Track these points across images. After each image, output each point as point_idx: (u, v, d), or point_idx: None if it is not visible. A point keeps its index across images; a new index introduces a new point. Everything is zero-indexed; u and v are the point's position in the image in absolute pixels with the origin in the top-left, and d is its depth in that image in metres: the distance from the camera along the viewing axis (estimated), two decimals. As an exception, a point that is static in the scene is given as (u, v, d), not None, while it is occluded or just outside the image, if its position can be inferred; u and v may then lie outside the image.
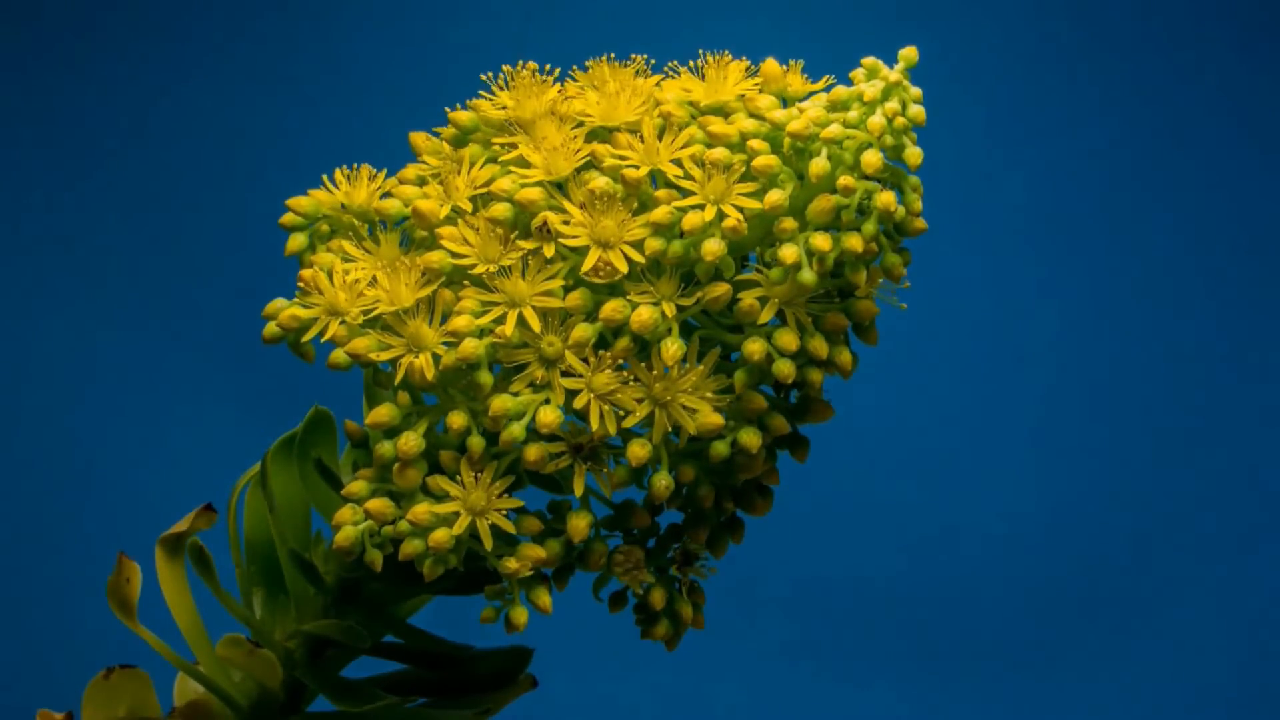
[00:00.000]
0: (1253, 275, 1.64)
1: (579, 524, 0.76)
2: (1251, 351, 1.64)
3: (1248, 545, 1.60)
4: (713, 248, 0.73)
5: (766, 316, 0.74)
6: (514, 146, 0.78)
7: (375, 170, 0.82)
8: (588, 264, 0.74)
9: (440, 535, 0.74)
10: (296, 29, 1.60)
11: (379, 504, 0.75)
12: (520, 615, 0.77)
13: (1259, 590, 1.59)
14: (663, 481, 0.75)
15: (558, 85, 0.81)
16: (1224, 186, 1.65)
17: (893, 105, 0.75)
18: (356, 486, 0.76)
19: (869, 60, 0.77)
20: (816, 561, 1.58)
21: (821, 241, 0.73)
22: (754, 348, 0.74)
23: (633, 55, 0.81)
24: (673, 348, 0.74)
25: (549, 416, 0.73)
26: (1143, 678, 1.56)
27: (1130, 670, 1.57)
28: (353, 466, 0.84)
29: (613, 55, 0.81)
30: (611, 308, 0.73)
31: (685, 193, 0.74)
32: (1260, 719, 1.55)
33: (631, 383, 0.74)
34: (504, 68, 0.82)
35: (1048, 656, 1.58)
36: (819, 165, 0.74)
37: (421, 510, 0.74)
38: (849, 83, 0.77)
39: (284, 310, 0.78)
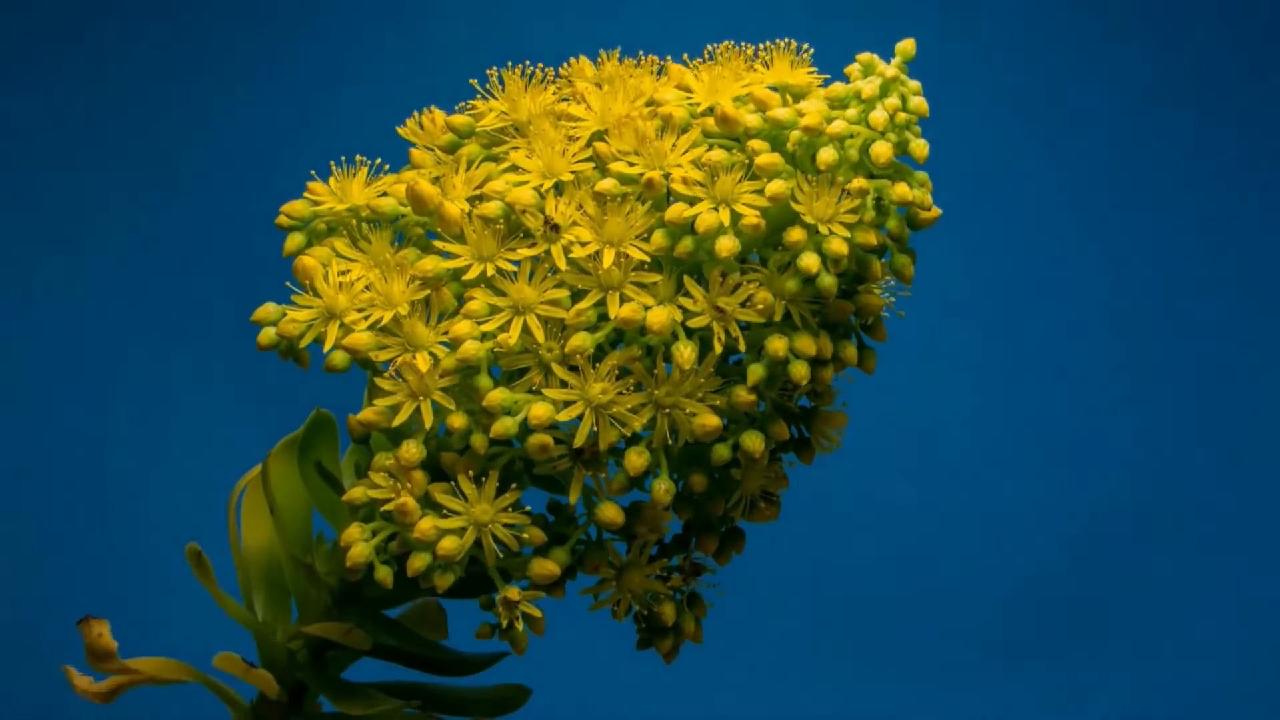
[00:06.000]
0: (1258, 272, 1.64)
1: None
2: (1256, 349, 1.63)
3: (1252, 546, 1.60)
4: (727, 245, 0.73)
5: (780, 313, 0.74)
6: (515, 150, 0.78)
7: (373, 166, 0.82)
8: (606, 264, 0.73)
9: (448, 543, 0.74)
10: (297, 27, 1.60)
11: (408, 500, 0.74)
12: (524, 639, 0.76)
13: (1263, 591, 1.59)
14: (663, 486, 0.75)
15: (553, 86, 0.81)
16: (1230, 181, 1.64)
17: (893, 101, 0.75)
18: (358, 492, 0.75)
19: (864, 56, 0.76)
20: (816, 561, 1.58)
21: (839, 246, 0.73)
22: (776, 345, 0.73)
23: (640, 53, 0.80)
24: (687, 352, 0.73)
25: (542, 411, 0.73)
26: (1146, 676, 1.56)
27: (1133, 669, 1.57)
28: (354, 468, 0.83)
29: (617, 52, 0.81)
30: (630, 309, 0.73)
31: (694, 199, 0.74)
32: (1259, 718, 1.55)
33: (630, 390, 0.73)
34: (489, 71, 0.81)
35: (1047, 656, 1.57)
36: (828, 155, 0.73)
37: (427, 525, 0.74)
38: (846, 79, 0.76)
39: (284, 319, 0.77)
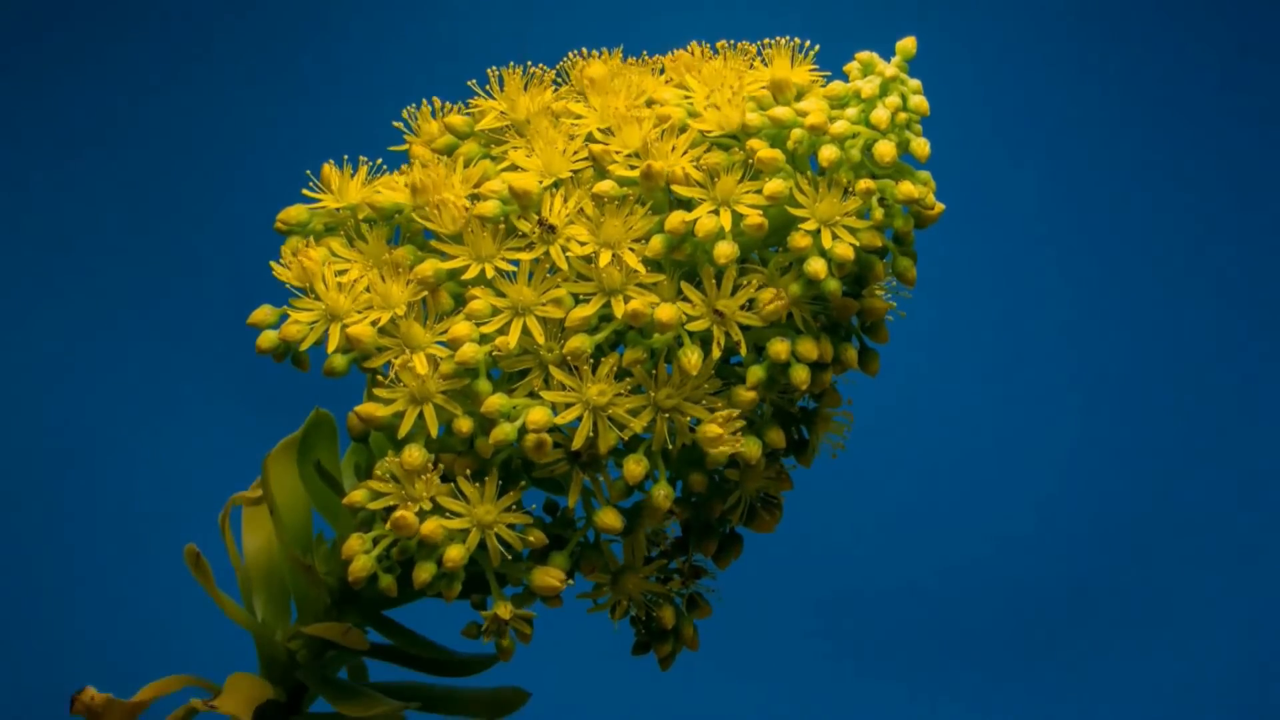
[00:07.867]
0: (1261, 273, 1.64)
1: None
2: (1258, 348, 1.63)
3: (1255, 547, 1.60)
4: (725, 250, 0.72)
5: (784, 314, 0.73)
6: (514, 150, 0.78)
7: (372, 166, 0.81)
8: (602, 264, 0.73)
9: (454, 553, 0.73)
10: (297, 27, 1.60)
11: (406, 514, 0.74)
12: (511, 647, 0.76)
13: (1265, 593, 1.59)
14: (661, 492, 0.74)
15: (553, 86, 0.81)
16: (1233, 181, 1.64)
17: (893, 100, 0.74)
18: (359, 495, 0.75)
19: (863, 55, 0.76)
20: (814, 561, 1.57)
21: (844, 251, 0.72)
22: (779, 348, 0.73)
23: (643, 53, 0.80)
24: (694, 357, 0.72)
25: (539, 416, 0.72)
26: (1147, 678, 1.56)
27: (1134, 670, 1.56)
28: (354, 469, 0.83)
29: (619, 50, 0.81)
30: (639, 304, 0.72)
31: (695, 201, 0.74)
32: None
33: (628, 392, 0.73)
34: (489, 71, 0.81)
35: (1047, 657, 1.57)
36: (830, 153, 0.73)
37: (433, 525, 0.73)
38: (846, 78, 0.76)
39: (286, 322, 0.77)
